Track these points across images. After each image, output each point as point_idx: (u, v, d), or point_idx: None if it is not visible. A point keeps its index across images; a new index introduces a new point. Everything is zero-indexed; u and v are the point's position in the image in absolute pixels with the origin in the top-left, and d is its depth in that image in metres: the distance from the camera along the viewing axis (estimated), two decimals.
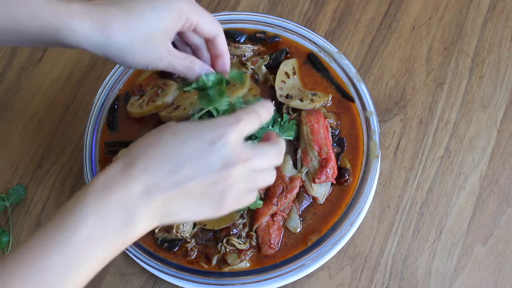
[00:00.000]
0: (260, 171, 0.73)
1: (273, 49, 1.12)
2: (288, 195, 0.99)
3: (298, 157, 1.03)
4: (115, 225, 0.64)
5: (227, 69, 0.89)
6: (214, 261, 0.99)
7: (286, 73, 1.08)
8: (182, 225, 0.99)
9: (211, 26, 0.83)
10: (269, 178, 0.75)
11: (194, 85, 0.87)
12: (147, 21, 0.75)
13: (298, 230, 1.00)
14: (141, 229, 0.66)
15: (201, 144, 0.68)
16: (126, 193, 0.65)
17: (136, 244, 0.99)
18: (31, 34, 0.73)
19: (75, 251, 0.61)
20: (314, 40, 1.10)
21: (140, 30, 0.75)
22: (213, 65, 0.89)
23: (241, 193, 0.72)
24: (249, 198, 0.74)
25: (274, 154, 0.74)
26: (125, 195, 0.65)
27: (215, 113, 1.01)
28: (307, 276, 1.03)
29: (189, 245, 1.00)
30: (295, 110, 1.05)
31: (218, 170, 0.68)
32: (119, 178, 0.66)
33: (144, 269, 1.05)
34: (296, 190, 1.00)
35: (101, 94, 1.09)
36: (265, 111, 0.76)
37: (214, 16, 1.13)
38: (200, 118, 1.01)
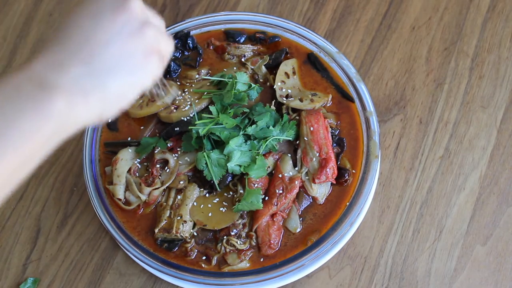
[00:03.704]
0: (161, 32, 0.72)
1: (273, 49, 1.12)
2: (288, 195, 0.99)
3: (298, 157, 1.03)
4: (24, 93, 0.59)
5: None
6: (214, 261, 0.99)
7: (286, 73, 1.08)
8: (182, 225, 0.99)
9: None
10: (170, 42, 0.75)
11: None
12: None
13: (298, 230, 1.00)
14: (62, 101, 0.61)
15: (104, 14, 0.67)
16: (28, 70, 0.61)
17: (136, 244, 1.00)
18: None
19: None
20: (314, 40, 1.10)
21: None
22: None
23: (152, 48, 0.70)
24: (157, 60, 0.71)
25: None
26: (28, 72, 0.61)
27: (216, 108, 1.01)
28: (307, 276, 1.03)
29: (189, 245, 1.00)
30: (295, 110, 1.05)
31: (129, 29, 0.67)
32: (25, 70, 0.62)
33: (144, 269, 1.05)
34: (296, 190, 1.00)
35: None
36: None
37: (214, 16, 1.13)
38: (200, 117, 1.01)
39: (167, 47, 0.73)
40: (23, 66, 0.62)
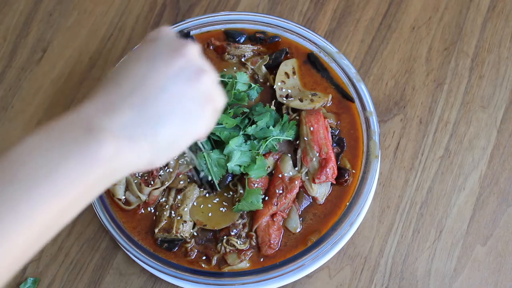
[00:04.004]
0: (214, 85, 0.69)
1: (273, 49, 1.12)
2: (288, 195, 0.99)
3: (298, 157, 1.03)
4: (71, 137, 0.57)
5: None
6: (214, 261, 0.99)
7: (286, 73, 1.08)
8: (182, 225, 0.99)
9: None
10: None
11: None
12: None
13: (298, 230, 1.00)
14: (111, 146, 0.58)
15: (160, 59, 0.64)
16: (78, 113, 0.59)
17: (136, 244, 1.00)
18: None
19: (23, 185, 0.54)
20: (314, 40, 1.10)
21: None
22: None
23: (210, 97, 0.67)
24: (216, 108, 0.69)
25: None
26: (77, 114, 0.59)
27: None
28: (307, 276, 1.03)
29: (189, 245, 1.00)
30: (295, 110, 1.05)
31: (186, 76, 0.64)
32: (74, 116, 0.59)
33: (144, 269, 1.05)
34: (296, 190, 1.00)
35: None
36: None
37: (214, 16, 1.13)
38: None
39: (220, 99, 0.69)
40: (72, 110, 0.60)
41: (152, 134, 0.62)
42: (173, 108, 0.63)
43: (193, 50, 0.67)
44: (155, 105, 0.62)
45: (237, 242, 0.98)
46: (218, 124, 1.00)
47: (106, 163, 0.58)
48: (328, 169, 0.99)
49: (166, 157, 0.64)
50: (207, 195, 1.02)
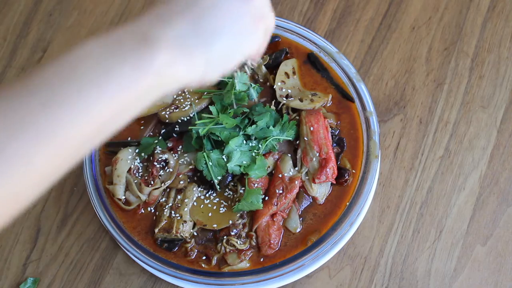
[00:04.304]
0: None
1: (273, 49, 1.11)
2: (288, 195, 0.99)
3: (298, 157, 1.03)
4: (126, 44, 0.58)
5: None
6: (214, 261, 0.99)
7: (286, 73, 1.08)
8: (182, 225, 0.99)
9: None
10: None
11: None
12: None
13: (298, 230, 1.00)
14: (169, 56, 0.60)
15: None
16: (135, 23, 0.61)
17: (136, 244, 1.00)
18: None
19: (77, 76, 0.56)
20: (314, 40, 1.10)
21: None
22: None
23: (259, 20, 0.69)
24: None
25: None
26: (134, 24, 0.61)
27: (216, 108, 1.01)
28: (307, 276, 1.03)
29: (189, 245, 1.00)
30: (295, 110, 1.05)
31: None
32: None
33: (144, 269, 1.05)
34: (296, 190, 1.00)
35: None
36: None
37: None
38: (200, 117, 1.01)
39: (271, 21, 0.72)
40: (127, 22, 0.62)
41: (206, 46, 0.63)
42: (227, 23, 0.65)
43: None
44: (209, 19, 0.64)
45: (237, 242, 0.98)
46: (218, 124, 1.00)
47: (160, 71, 0.59)
48: (328, 169, 0.99)
49: (218, 71, 0.66)
50: (207, 195, 1.02)
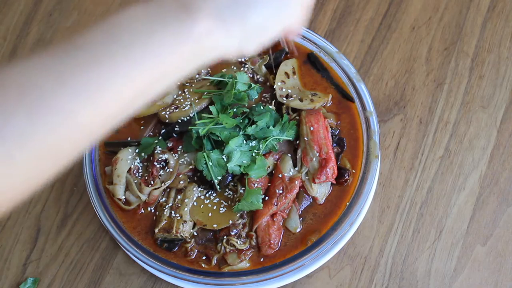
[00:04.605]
0: None
1: (273, 49, 1.11)
2: (288, 195, 0.99)
3: (298, 157, 1.03)
4: (168, 11, 0.59)
5: None
6: (214, 261, 0.99)
7: (286, 73, 1.08)
8: (182, 225, 0.99)
9: None
10: None
11: None
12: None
13: (298, 230, 1.00)
14: (209, 24, 0.61)
15: None
16: None
17: (136, 244, 1.00)
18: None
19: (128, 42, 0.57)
20: (314, 40, 1.10)
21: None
22: None
23: None
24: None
25: None
26: None
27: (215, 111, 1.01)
28: (307, 276, 1.03)
29: (189, 245, 1.00)
30: (295, 110, 1.05)
31: None
32: None
33: (144, 269, 1.05)
34: (296, 190, 1.00)
35: None
36: None
37: None
38: (200, 117, 1.01)
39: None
40: None
41: (244, 17, 0.64)
42: None
43: None
44: None
45: (237, 242, 0.98)
46: (218, 124, 1.00)
47: (199, 39, 0.60)
48: (328, 169, 0.99)
49: (255, 43, 0.67)
50: (207, 195, 1.02)
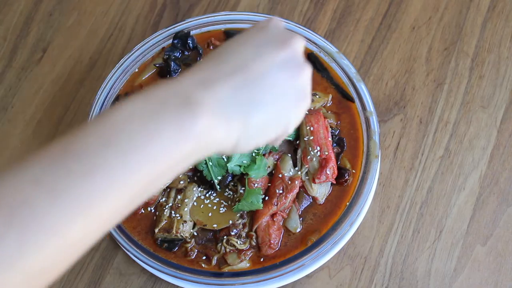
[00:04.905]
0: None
1: None
2: (288, 195, 0.99)
3: (298, 157, 1.03)
4: (168, 107, 0.57)
5: None
6: (214, 261, 0.99)
7: None
8: (182, 225, 0.99)
9: None
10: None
11: None
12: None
13: (298, 230, 1.00)
14: (211, 120, 0.58)
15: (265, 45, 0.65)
16: (177, 83, 0.59)
17: (136, 244, 1.00)
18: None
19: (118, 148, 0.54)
20: (314, 40, 1.10)
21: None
22: None
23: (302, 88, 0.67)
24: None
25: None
26: (177, 84, 0.59)
27: None
28: (307, 276, 1.03)
29: (189, 245, 1.00)
30: None
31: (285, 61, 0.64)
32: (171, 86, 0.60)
33: (144, 269, 1.05)
34: (296, 190, 1.00)
35: (101, 94, 1.09)
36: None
37: (214, 16, 1.13)
38: None
39: (309, 100, 0.70)
40: (171, 81, 0.60)
41: (246, 116, 0.62)
42: (270, 97, 0.64)
43: (300, 44, 0.68)
44: (254, 89, 0.63)
45: (237, 242, 0.98)
46: None
47: (199, 137, 0.58)
48: (328, 169, 0.99)
49: (252, 143, 0.65)
50: (207, 195, 1.02)
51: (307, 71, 0.68)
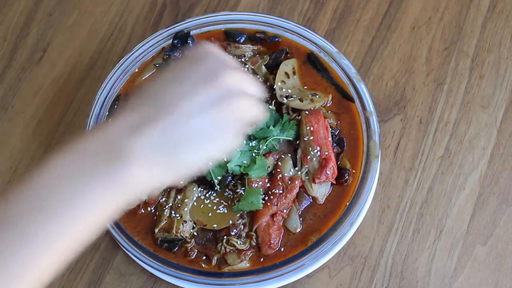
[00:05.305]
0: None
1: (273, 49, 1.12)
2: (288, 195, 0.99)
3: (298, 157, 1.03)
4: (97, 163, 0.59)
5: None
6: (214, 261, 0.99)
7: (286, 73, 1.08)
8: (182, 225, 0.99)
9: None
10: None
11: None
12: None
13: (298, 230, 1.00)
14: (139, 169, 0.61)
15: (193, 81, 0.66)
16: (104, 134, 0.61)
17: (136, 244, 1.00)
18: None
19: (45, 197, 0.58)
20: (314, 40, 1.10)
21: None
22: None
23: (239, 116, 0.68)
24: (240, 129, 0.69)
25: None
26: (104, 135, 0.61)
27: None
28: (307, 276, 1.03)
29: (189, 245, 1.00)
30: (295, 110, 1.05)
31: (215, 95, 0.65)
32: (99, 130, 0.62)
33: (144, 269, 1.05)
34: (296, 190, 1.00)
35: (101, 94, 1.09)
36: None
37: (214, 16, 1.13)
38: None
39: (256, 115, 0.70)
40: (103, 127, 0.62)
41: (175, 159, 0.64)
42: (199, 135, 0.65)
43: (231, 77, 0.67)
44: (182, 131, 0.64)
45: (237, 242, 0.98)
46: None
47: (130, 184, 0.60)
48: (328, 169, 0.99)
49: (185, 177, 0.67)
50: (207, 195, 1.02)
51: (239, 99, 0.67)
